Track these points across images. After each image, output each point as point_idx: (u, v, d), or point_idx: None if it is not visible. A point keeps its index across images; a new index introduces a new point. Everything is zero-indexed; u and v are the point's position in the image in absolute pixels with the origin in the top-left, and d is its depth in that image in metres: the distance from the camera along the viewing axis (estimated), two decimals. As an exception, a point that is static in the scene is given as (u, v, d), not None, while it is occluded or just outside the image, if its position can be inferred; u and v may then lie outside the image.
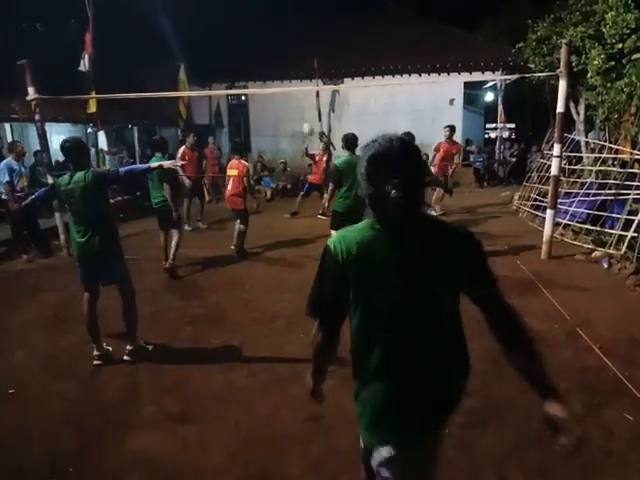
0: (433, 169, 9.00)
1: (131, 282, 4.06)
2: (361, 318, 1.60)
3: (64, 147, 3.86)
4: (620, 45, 7.59)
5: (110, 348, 4.11)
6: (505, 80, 13.80)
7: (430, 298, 1.57)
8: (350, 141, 5.72)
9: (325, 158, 10.33)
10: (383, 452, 1.60)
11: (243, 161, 7.22)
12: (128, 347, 4.00)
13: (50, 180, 7.41)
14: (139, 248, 7.89)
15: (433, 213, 6.78)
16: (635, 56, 7.24)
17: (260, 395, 3.42)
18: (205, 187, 9.28)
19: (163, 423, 3.13)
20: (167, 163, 4.73)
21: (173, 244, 6.25)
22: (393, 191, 1.47)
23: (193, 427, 3.09)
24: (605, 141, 8.11)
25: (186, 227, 8.91)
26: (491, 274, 1.61)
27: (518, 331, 1.58)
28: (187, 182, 8.35)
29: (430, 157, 9.84)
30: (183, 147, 9.07)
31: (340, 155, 6.83)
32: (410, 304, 1.56)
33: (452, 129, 9.52)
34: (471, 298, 1.61)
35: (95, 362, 3.93)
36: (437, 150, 9.57)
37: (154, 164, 4.67)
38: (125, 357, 3.97)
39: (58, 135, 12.93)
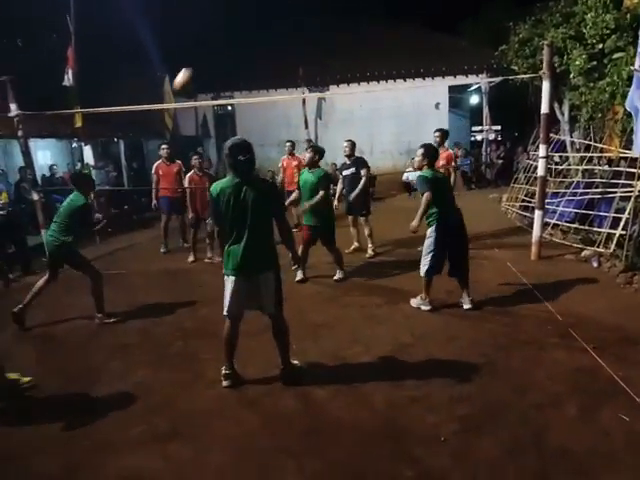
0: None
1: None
2: (227, 221, 3.39)
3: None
4: (601, 45, 7.66)
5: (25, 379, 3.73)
6: (489, 83, 13.90)
7: (257, 214, 3.34)
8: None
9: (295, 163, 9.01)
10: (242, 278, 3.44)
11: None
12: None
13: (35, 196, 7.33)
14: (126, 262, 7.81)
15: None
16: (616, 55, 7.31)
17: (251, 408, 3.36)
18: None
19: (152, 442, 3.05)
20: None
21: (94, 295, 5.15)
22: (242, 159, 3.29)
23: (183, 444, 3.01)
24: (590, 140, 8.15)
25: (161, 249, 8.32)
26: (281, 210, 3.68)
27: (285, 231, 3.64)
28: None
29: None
30: (158, 162, 8.31)
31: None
32: (248, 216, 3.33)
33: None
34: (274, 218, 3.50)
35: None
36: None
37: None
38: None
39: (43, 150, 12.84)
